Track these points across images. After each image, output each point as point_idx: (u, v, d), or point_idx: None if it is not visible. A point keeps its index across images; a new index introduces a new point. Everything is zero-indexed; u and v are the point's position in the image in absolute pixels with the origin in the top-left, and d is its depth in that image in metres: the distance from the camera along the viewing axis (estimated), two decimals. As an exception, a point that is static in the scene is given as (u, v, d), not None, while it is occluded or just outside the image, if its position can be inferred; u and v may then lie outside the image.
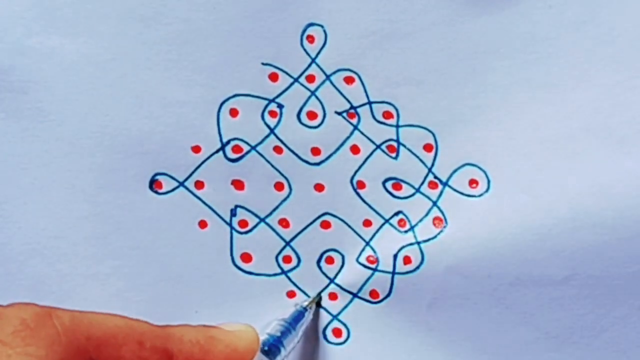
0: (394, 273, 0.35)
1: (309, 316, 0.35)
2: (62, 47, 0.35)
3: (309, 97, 0.35)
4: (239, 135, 0.35)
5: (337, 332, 0.35)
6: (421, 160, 0.35)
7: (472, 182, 0.35)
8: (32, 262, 0.35)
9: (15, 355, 0.24)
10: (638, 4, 0.34)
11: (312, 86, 0.35)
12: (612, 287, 0.34)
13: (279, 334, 0.32)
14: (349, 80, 0.35)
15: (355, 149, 0.36)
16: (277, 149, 0.35)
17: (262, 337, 0.31)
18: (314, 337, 0.35)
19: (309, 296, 0.35)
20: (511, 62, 0.35)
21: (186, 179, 0.35)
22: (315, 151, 0.36)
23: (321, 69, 0.35)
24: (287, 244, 0.35)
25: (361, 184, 0.35)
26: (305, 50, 0.35)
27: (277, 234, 0.35)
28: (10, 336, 0.24)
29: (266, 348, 0.31)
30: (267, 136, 0.35)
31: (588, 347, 0.34)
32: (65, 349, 0.25)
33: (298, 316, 0.34)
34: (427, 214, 0.35)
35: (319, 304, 0.35)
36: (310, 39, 0.35)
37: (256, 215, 0.35)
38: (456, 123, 0.35)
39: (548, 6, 0.35)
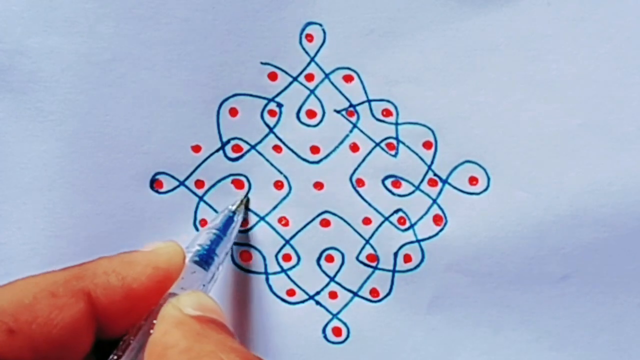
0: (394, 271, 0.35)
1: (238, 220, 0.34)
2: (62, 47, 0.35)
3: (308, 96, 0.35)
4: (238, 135, 0.35)
5: (336, 331, 0.35)
6: (421, 158, 0.35)
7: (472, 180, 0.35)
8: (32, 262, 0.35)
9: None
10: (635, 1, 0.34)
11: (311, 85, 0.35)
12: (612, 284, 0.34)
13: (209, 242, 0.31)
14: (347, 79, 0.35)
15: (354, 147, 0.35)
16: (277, 148, 0.35)
17: (194, 249, 0.30)
18: (313, 336, 0.35)
19: (309, 295, 0.35)
20: (510, 60, 0.35)
21: (186, 178, 0.35)
22: (315, 150, 0.36)
23: (320, 67, 0.35)
24: (287, 242, 0.35)
25: (360, 182, 0.35)
26: (304, 49, 0.35)
27: (277, 232, 0.35)
28: None
29: (197, 259, 0.30)
30: (266, 135, 0.35)
31: (588, 346, 0.34)
32: None
33: (227, 222, 0.33)
34: (427, 212, 0.35)
35: (247, 207, 0.35)
36: (309, 37, 0.35)
37: (256, 214, 0.35)
38: (455, 120, 0.35)
39: (546, 3, 0.35)
